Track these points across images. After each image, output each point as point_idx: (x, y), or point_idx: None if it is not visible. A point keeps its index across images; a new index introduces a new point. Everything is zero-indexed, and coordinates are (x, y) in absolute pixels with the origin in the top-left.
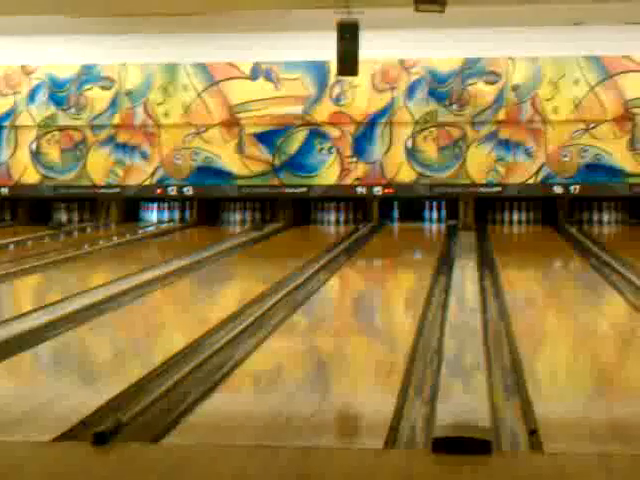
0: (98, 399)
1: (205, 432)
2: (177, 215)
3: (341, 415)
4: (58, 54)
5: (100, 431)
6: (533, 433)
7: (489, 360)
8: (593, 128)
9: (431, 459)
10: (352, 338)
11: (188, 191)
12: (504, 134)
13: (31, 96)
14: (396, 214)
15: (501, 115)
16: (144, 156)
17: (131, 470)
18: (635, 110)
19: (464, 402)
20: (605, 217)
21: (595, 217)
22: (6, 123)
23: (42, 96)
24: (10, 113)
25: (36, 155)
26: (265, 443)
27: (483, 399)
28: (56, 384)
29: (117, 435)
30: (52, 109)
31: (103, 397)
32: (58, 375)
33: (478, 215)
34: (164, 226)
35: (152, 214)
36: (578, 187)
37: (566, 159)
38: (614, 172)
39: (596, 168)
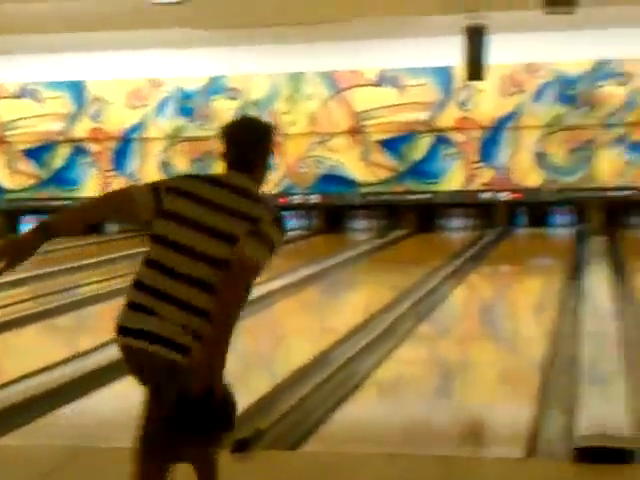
0: None
1: (340, 441)
2: (302, 223)
3: (475, 424)
4: (186, 67)
5: (240, 438)
6: None
7: (628, 368)
8: None
9: (573, 468)
10: (481, 346)
11: (313, 199)
12: None
13: (160, 108)
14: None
15: None
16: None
17: (272, 477)
18: None
19: (604, 411)
20: None
21: None
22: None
23: (170, 108)
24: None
25: None
26: (402, 452)
27: (623, 408)
28: None
29: (257, 443)
30: (180, 121)
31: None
32: None
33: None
34: (289, 234)
35: None
36: None
37: None
38: None
39: None
